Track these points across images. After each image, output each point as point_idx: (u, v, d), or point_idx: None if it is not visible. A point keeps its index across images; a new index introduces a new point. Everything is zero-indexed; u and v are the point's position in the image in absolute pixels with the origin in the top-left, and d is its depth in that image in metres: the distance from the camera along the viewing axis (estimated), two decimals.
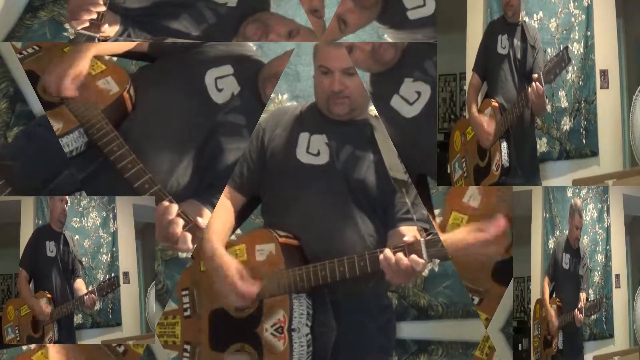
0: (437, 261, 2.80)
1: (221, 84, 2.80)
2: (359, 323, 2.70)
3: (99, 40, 2.70)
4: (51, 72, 2.71)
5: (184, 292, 2.80)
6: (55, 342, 2.87)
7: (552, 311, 2.81)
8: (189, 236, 2.64)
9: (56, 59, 2.73)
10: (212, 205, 2.76)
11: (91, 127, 2.69)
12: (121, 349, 2.87)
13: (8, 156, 2.77)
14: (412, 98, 2.76)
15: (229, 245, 2.73)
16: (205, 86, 2.79)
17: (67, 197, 2.88)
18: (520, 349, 2.80)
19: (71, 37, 2.79)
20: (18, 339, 2.88)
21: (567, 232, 2.84)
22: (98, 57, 2.76)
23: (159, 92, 2.80)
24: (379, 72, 2.78)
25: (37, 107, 2.79)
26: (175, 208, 2.65)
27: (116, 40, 2.75)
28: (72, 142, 2.70)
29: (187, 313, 2.80)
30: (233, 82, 2.81)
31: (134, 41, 2.78)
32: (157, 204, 2.67)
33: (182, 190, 2.76)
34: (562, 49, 2.67)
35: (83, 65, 2.70)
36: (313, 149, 2.74)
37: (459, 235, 2.62)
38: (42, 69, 2.76)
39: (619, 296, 2.82)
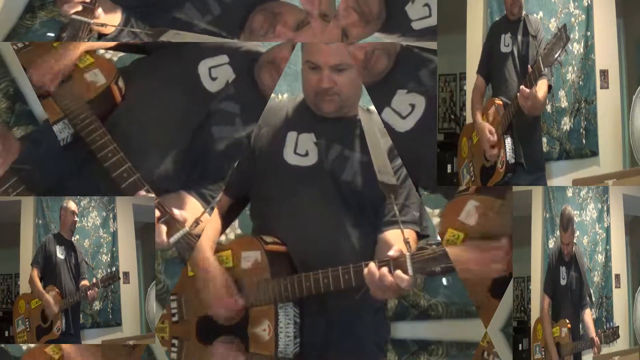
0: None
1: (215, 73, 2.75)
2: (349, 325, 2.65)
3: (91, 33, 2.67)
4: (37, 68, 2.69)
5: (172, 297, 2.77)
6: (62, 332, 2.90)
7: (564, 334, 2.77)
8: (163, 228, 2.60)
9: (44, 55, 2.72)
10: (202, 197, 2.72)
11: (75, 117, 2.67)
12: (132, 342, 2.88)
13: (21, 160, 2.76)
14: (405, 111, 2.67)
15: (217, 250, 2.69)
16: (198, 75, 2.74)
17: (75, 206, 2.90)
18: (520, 349, 2.80)
19: (65, 22, 2.77)
20: (28, 329, 2.90)
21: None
22: (88, 51, 2.74)
23: (151, 83, 2.76)
24: (371, 83, 2.69)
25: (37, 107, 2.79)
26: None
27: (120, 31, 2.71)
28: (58, 134, 2.69)
29: (175, 319, 2.78)
30: (228, 70, 2.76)
31: (130, 41, 2.76)
32: (133, 194, 2.63)
33: (170, 180, 2.71)
34: (559, 27, 2.61)
35: (68, 63, 2.68)
36: (301, 150, 2.66)
37: (460, 255, 2.53)
38: (30, 63, 2.75)
39: (619, 296, 2.82)
